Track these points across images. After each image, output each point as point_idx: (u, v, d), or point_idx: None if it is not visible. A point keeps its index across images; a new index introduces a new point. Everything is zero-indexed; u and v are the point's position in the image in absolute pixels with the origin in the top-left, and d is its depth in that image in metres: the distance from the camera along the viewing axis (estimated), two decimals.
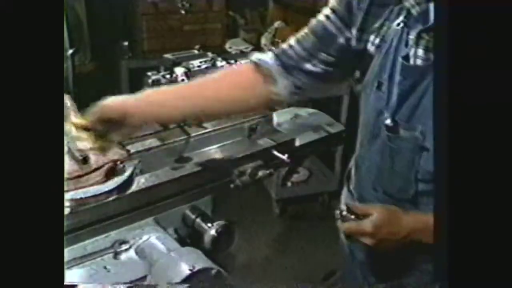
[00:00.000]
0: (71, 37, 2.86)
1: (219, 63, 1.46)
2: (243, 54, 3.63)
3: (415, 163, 1.11)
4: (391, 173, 1.16)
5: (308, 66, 1.21)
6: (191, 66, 1.41)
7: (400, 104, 1.09)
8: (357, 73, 1.22)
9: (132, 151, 1.33)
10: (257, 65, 1.26)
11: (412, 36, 1.06)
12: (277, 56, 1.25)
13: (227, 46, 3.68)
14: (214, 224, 1.27)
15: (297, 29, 2.44)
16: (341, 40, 1.18)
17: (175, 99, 1.24)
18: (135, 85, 3.52)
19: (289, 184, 3.42)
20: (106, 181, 1.21)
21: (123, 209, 1.22)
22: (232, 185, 1.41)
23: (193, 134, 1.45)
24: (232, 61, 1.49)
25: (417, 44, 1.05)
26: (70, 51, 2.82)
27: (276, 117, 1.66)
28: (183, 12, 3.46)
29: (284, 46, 1.26)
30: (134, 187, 1.24)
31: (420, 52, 1.05)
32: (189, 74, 1.39)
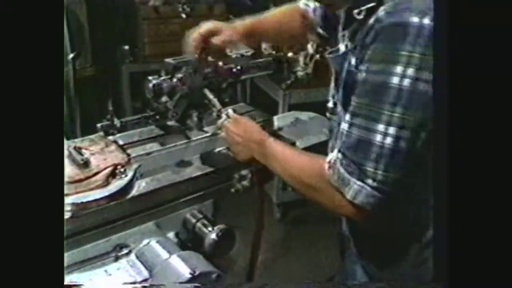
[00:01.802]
0: (72, 41, 2.87)
1: (219, 68, 1.46)
2: (243, 58, 3.66)
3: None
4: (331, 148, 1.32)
5: None
6: (191, 70, 1.41)
7: (337, 89, 1.24)
8: None
9: (133, 155, 1.33)
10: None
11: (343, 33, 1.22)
12: None
13: (227, 50, 3.68)
14: (215, 228, 1.28)
15: None
16: None
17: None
18: (136, 90, 3.58)
19: (290, 188, 3.42)
20: (107, 185, 1.21)
21: (124, 214, 1.22)
22: (232, 189, 1.41)
23: (193, 138, 1.46)
24: (233, 66, 1.49)
25: (342, 40, 1.22)
26: (71, 55, 2.83)
27: (277, 121, 1.67)
28: (184, 16, 3.47)
29: None
30: (134, 191, 1.25)
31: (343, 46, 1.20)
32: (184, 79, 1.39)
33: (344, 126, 1.09)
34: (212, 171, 1.39)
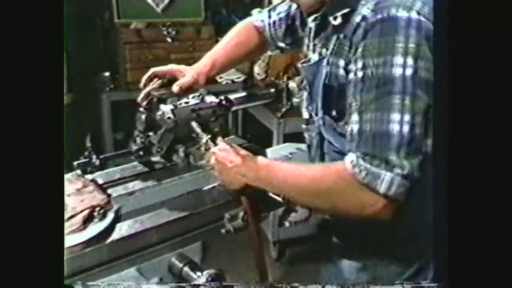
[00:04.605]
0: None
1: (208, 99, 1.47)
2: (234, 85, 3.69)
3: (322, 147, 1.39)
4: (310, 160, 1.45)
5: None
6: (178, 102, 1.41)
7: (312, 99, 1.35)
8: None
9: (114, 195, 1.33)
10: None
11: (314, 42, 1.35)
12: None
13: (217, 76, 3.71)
14: (204, 273, 1.27)
15: (292, 57, 2.51)
16: None
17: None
18: (118, 120, 3.59)
19: (287, 224, 3.40)
20: (83, 229, 1.21)
21: (102, 260, 1.21)
22: (223, 230, 1.41)
23: (180, 175, 1.46)
24: (222, 97, 1.50)
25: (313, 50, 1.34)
26: None
27: (271, 154, 1.68)
28: (169, 40, 3.49)
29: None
30: (115, 235, 1.24)
31: (315, 55, 1.33)
32: (176, 112, 1.39)
33: (353, 127, 1.15)
34: (200, 211, 1.39)
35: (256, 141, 1.80)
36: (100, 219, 1.25)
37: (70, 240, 1.17)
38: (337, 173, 1.16)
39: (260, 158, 1.32)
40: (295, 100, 2.92)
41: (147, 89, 1.49)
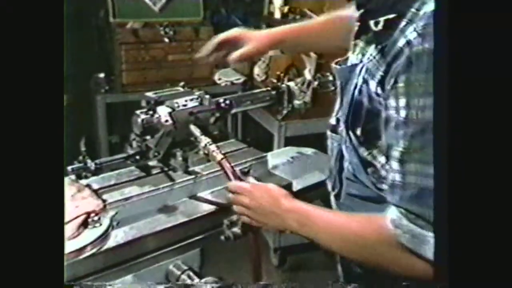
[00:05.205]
0: None
1: (206, 101, 1.47)
2: (233, 86, 3.69)
3: (341, 161, 1.30)
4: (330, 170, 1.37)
5: None
6: (175, 105, 1.41)
7: (341, 105, 1.26)
8: None
9: (109, 201, 1.33)
10: None
11: (355, 41, 1.24)
12: None
13: (216, 77, 3.72)
14: (202, 281, 1.27)
15: (293, 57, 2.50)
16: None
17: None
18: (113, 123, 3.58)
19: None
20: (77, 236, 1.20)
21: (97, 268, 1.21)
22: (222, 237, 1.41)
23: (178, 180, 1.45)
24: (221, 99, 1.50)
25: (353, 50, 1.24)
26: None
27: (272, 159, 1.67)
28: (166, 40, 3.49)
29: None
30: (110, 242, 1.24)
31: (354, 57, 1.23)
32: (173, 115, 1.39)
33: (395, 176, 1.05)
34: (199, 217, 1.39)
35: (256, 144, 1.79)
36: (95, 226, 1.25)
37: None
38: (379, 230, 1.07)
39: (297, 201, 1.26)
40: (296, 102, 2.91)
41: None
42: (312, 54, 3.12)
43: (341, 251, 1.21)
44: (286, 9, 3.51)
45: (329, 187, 1.39)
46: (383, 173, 1.14)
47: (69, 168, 1.36)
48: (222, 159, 1.30)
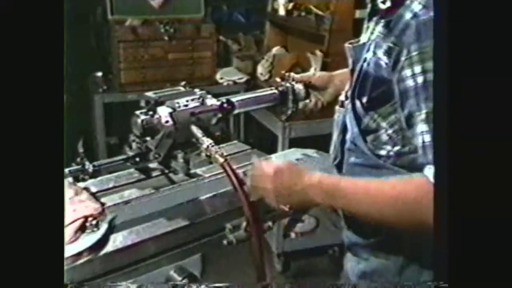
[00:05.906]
0: None
1: (208, 101, 1.47)
2: (236, 86, 3.69)
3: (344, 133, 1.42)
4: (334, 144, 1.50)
5: None
6: (176, 105, 1.41)
7: (351, 82, 1.37)
8: None
9: (108, 204, 1.33)
10: None
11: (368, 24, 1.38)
12: None
13: (218, 76, 3.72)
14: (203, 286, 1.26)
15: (298, 56, 2.51)
16: None
17: None
18: (111, 123, 3.59)
19: (292, 235, 3.40)
20: (74, 241, 1.21)
21: (95, 273, 1.21)
22: (225, 241, 1.41)
23: (179, 183, 1.46)
24: (223, 99, 1.50)
25: (365, 31, 1.37)
26: None
27: (276, 161, 1.67)
28: (166, 38, 3.49)
29: None
30: (109, 247, 1.24)
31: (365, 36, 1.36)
32: (174, 115, 1.39)
33: (425, 138, 1.13)
34: (200, 221, 1.39)
35: (259, 146, 1.79)
36: (93, 230, 1.25)
37: None
38: (418, 188, 1.12)
39: (322, 176, 1.28)
40: (300, 102, 2.91)
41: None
42: (318, 52, 3.12)
43: (380, 216, 1.22)
44: (290, 5, 3.51)
45: (331, 159, 1.51)
46: (384, 138, 1.28)
47: (67, 170, 1.36)
48: (224, 161, 1.31)
